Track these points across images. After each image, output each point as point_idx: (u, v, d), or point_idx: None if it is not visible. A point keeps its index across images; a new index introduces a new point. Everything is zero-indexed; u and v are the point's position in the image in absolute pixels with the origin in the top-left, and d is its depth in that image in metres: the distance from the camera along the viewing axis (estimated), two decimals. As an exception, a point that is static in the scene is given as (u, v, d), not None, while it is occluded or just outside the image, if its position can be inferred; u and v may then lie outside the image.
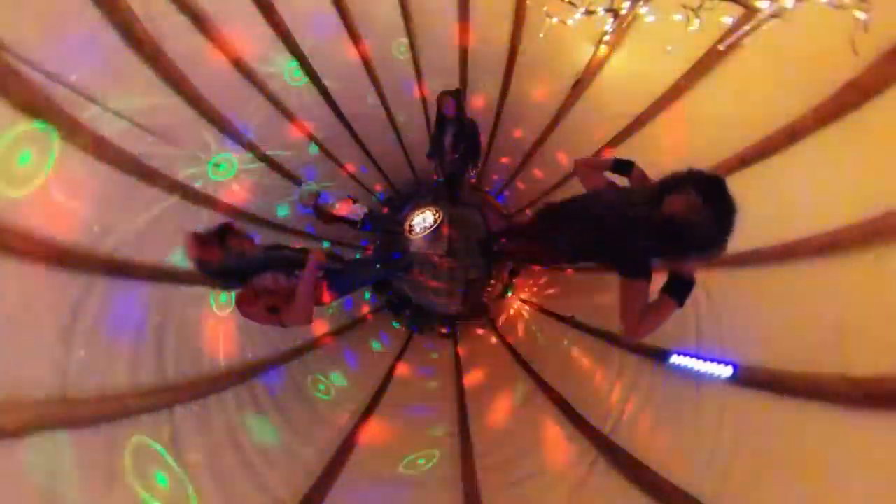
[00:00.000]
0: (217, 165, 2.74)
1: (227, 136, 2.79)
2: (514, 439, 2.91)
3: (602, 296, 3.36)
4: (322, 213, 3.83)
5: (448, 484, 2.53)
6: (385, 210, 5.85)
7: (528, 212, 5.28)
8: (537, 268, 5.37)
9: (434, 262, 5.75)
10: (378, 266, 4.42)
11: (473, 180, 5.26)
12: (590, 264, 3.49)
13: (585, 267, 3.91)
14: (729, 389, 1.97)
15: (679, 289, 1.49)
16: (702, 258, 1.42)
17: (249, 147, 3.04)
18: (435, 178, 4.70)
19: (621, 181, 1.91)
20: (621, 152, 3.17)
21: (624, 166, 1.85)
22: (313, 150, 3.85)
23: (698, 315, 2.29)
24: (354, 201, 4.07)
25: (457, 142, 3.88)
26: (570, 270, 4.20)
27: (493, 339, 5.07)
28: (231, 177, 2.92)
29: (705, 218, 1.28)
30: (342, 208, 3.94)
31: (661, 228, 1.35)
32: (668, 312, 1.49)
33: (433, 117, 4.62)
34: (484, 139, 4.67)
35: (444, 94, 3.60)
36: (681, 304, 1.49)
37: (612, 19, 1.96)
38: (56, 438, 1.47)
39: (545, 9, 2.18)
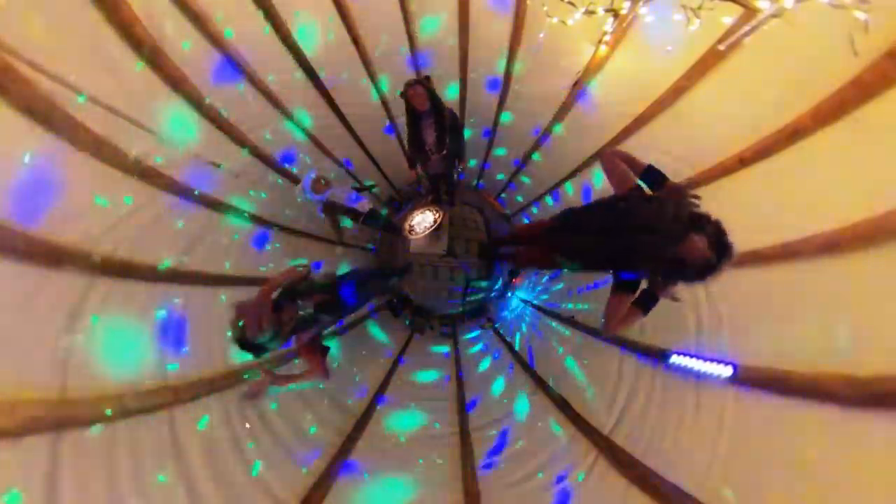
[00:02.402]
0: (217, 165, 2.74)
1: (227, 136, 2.79)
2: (515, 439, 2.91)
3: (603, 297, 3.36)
4: (330, 205, 3.77)
5: (448, 484, 2.53)
6: (385, 210, 5.85)
7: (533, 219, 5.26)
8: (536, 269, 5.37)
9: (434, 263, 5.74)
10: (375, 280, 4.20)
11: (461, 178, 4.59)
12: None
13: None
14: (729, 389, 1.97)
15: (647, 302, 1.78)
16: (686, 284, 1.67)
17: (250, 147, 3.04)
18: (418, 182, 4.14)
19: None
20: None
21: (655, 178, 1.74)
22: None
23: (698, 315, 2.29)
24: (360, 190, 4.04)
25: (441, 138, 3.27)
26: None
27: (494, 339, 5.07)
28: (231, 177, 2.92)
29: (708, 263, 1.49)
30: (360, 204, 3.88)
31: (672, 263, 1.54)
32: (636, 319, 1.81)
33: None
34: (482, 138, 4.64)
35: (410, 86, 2.92)
36: (645, 313, 1.79)
37: (612, 19, 1.97)
38: (56, 438, 1.47)
39: (545, 9, 2.18)
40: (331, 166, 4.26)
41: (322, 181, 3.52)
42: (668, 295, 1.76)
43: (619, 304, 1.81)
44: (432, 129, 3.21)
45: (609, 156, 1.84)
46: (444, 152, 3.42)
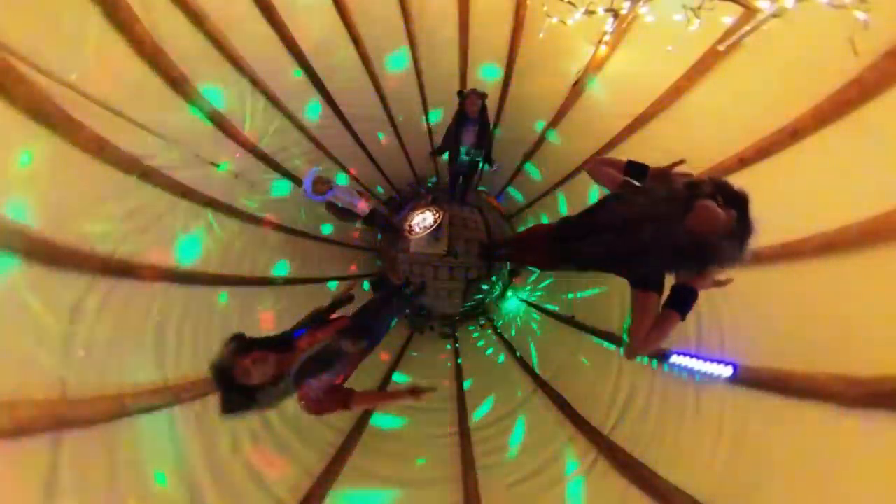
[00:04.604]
0: (217, 165, 2.74)
1: (228, 136, 2.79)
2: (515, 439, 2.91)
3: (603, 296, 3.36)
4: (331, 205, 3.78)
5: (448, 484, 2.53)
6: (385, 210, 5.85)
7: (535, 226, 5.23)
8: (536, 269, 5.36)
9: (434, 263, 5.75)
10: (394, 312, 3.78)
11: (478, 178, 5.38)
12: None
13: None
14: (729, 389, 1.97)
15: (682, 301, 1.44)
16: (721, 267, 1.36)
17: (250, 147, 3.04)
18: (437, 176, 4.62)
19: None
20: (621, 152, 3.17)
21: (638, 171, 1.64)
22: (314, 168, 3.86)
23: (698, 315, 2.29)
24: (361, 195, 4.07)
25: (479, 143, 3.90)
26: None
27: (494, 339, 5.07)
28: (231, 177, 2.92)
29: (729, 227, 1.24)
30: (360, 203, 3.91)
31: (687, 244, 1.29)
32: (673, 326, 1.44)
33: (436, 118, 4.64)
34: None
35: (474, 93, 3.53)
36: (683, 316, 1.44)
37: (612, 19, 1.97)
38: (56, 438, 1.47)
39: (545, 9, 2.18)
40: (330, 166, 4.26)
41: (322, 182, 3.54)
42: (710, 284, 1.45)
43: (645, 310, 1.46)
44: (473, 134, 3.84)
45: (592, 164, 1.79)
46: (478, 158, 4.09)
